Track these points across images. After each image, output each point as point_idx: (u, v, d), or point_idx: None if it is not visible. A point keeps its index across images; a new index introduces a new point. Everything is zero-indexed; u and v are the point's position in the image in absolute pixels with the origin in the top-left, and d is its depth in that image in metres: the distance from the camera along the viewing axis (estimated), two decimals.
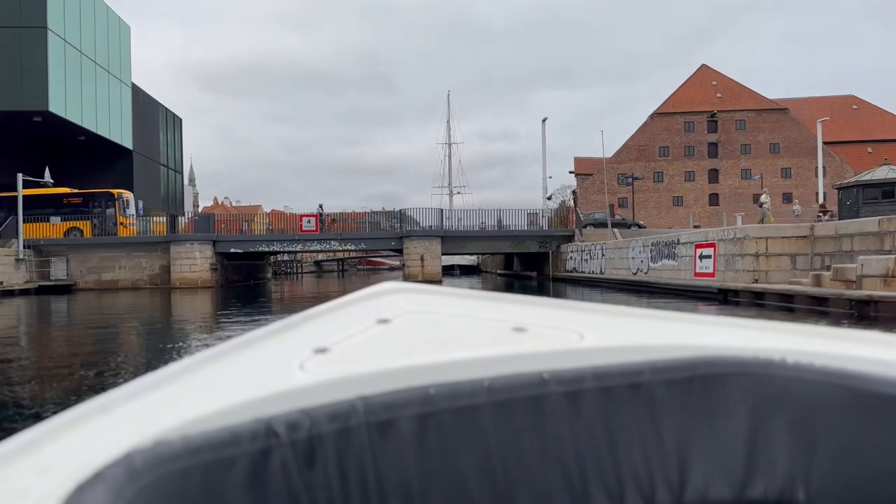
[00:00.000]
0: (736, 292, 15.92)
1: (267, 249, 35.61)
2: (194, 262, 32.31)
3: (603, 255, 27.33)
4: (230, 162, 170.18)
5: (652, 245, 22.16)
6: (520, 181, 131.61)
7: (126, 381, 0.91)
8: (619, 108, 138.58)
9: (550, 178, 53.36)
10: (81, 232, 33.70)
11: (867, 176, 30.33)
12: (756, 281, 15.88)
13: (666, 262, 20.96)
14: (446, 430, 0.77)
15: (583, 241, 32.31)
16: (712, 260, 17.78)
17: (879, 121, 76.90)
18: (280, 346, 0.96)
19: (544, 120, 44.53)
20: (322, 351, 0.89)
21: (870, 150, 74.49)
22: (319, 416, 0.72)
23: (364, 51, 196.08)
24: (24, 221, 30.20)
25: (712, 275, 17.76)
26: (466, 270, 57.70)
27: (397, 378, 0.79)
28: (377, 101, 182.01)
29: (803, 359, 0.86)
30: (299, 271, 65.12)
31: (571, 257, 32.01)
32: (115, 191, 34.82)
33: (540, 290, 28.22)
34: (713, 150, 73.03)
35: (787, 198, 70.82)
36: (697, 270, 18.68)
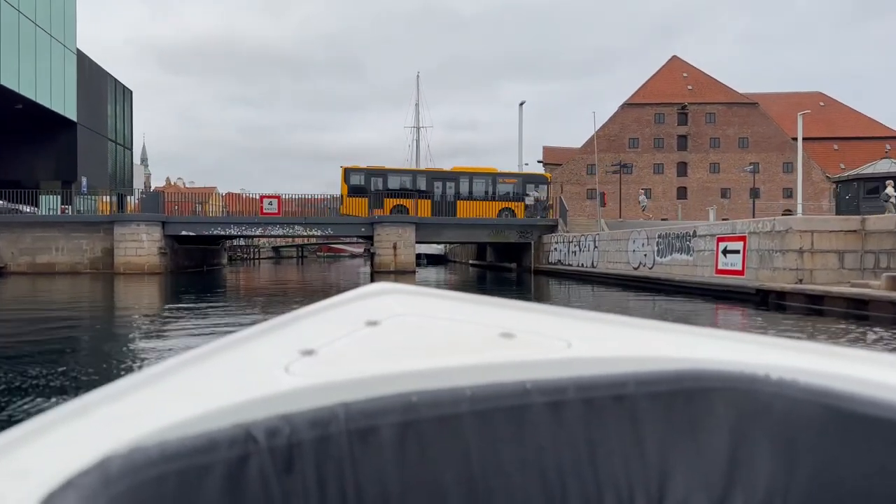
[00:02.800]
0: (781, 294, 13.74)
1: (223, 233, 32.49)
2: (141, 245, 29.09)
3: (595, 247, 25.13)
4: (188, 144, 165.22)
5: (659, 237, 19.98)
6: None
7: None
8: (585, 101, 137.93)
9: (527, 164, 51.33)
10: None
11: (868, 169, 28.96)
12: (800, 281, 13.77)
13: (677, 256, 18.80)
14: (427, 439, 0.77)
15: (568, 232, 30.11)
16: (741, 255, 15.64)
17: (846, 118, 77.01)
18: (267, 347, 0.95)
19: (521, 104, 42.29)
20: (309, 353, 0.89)
21: (836, 147, 74.50)
22: (300, 422, 0.72)
23: (333, 36, 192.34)
24: None
25: (740, 272, 15.63)
26: (433, 260, 55.15)
27: (381, 384, 0.79)
28: (344, 87, 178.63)
29: (788, 375, 0.87)
30: (257, 257, 61.63)
31: (556, 248, 29.78)
32: None
33: (520, 285, 25.88)
34: (682, 142, 72.17)
35: (756, 193, 70.37)
36: (720, 267, 16.53)
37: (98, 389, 0.76)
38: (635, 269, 21.55)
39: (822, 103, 78.15)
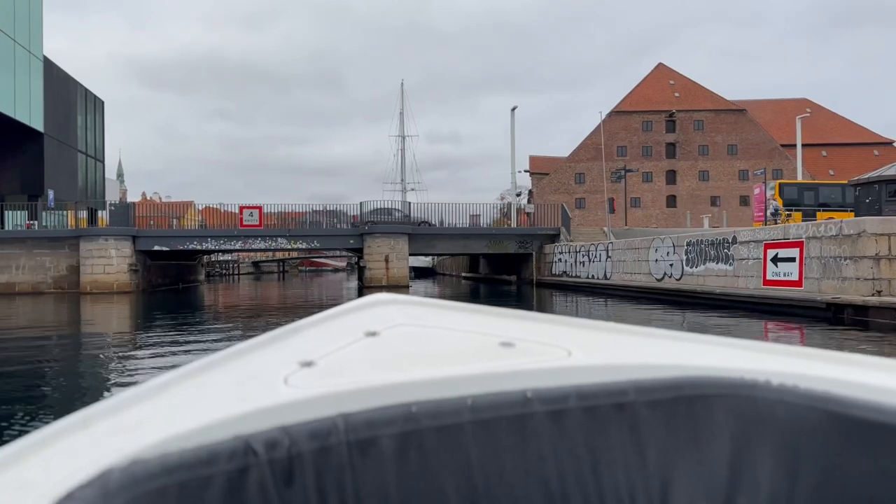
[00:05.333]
0: (863, 309, 11.74)
1: (199, 247, 30.05)
2: (109, 261, 26.61)
3: (608, 256, 23.13)
4: (166, 159, 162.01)
5: (688, 244, 18.01)
6: (464, 183, 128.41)
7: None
8: (565, 114, 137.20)
9: (520, 172, 49.14)
10: None
11: (891, 170, 27.39)
12: (879, 293, 11.83)
13: (712, 265, 16.84)
14: (428, 449, 0.77)
15: (571, 241, 28.12)
16: (797, 264, 13.69)
17: (833, 125, 76.37)
18: (267, 359, 0.95)
19: (513, 109, 40.31)
20: (308, 364, 0.89)
21: (824, 153, 73.70)
22: (299, 433, 0.72)
23: (315, 50, 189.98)
24: None
25: (797, 283, 13.67)
26: (421, 273, 52.96)
27: (381, 394, 0.79)
28: (325, 101, 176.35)
29: (788, 381, 0.87)
30: (236, 272, 58.87)
31: (561, 259, 27.75)
32: None
33: (525, 300, 23.80)
34: (671, 150, 71.00)
35: (744, 200, 69.25)
36: (770, 277, 14.58)
37: (99, 402, 0.76)
38: (659, 280, 19.56)
39: (808, 110, 77.45)
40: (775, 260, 14.42)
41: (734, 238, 16.05)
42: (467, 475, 0.78)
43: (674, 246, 18.85)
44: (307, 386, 0.80)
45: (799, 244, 13.69)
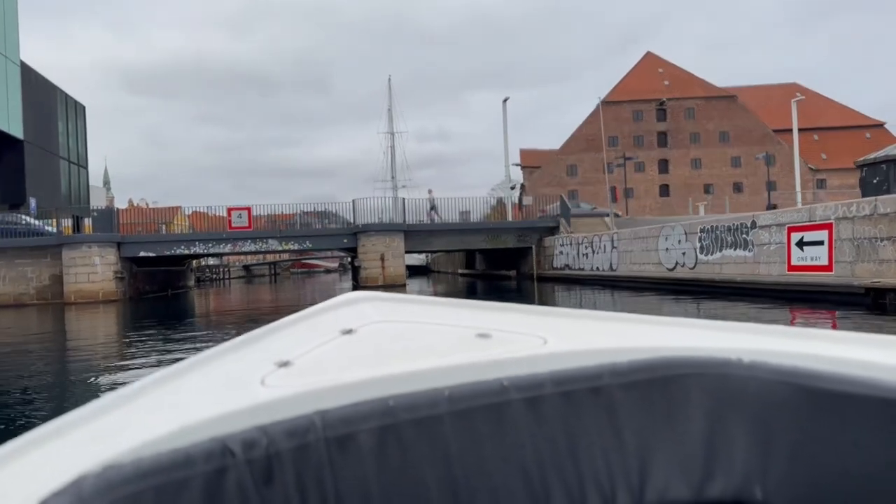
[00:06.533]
0: None
1: (187, 252, 28.97)
2: (93, 269, 25.49)
3: (614, 247, 22.27)
4: (154, 165, 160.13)
5: (702, 231, 17.16)
6: (453, 181, 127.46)
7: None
8: (552, 108, 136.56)
9: (515, 164, 48.07)
10: None
11: None
12: None
13: (730, 252, 15.99)
14: (407, 442, 0.77)
15: (572, 233, 27.25)
16: (825, 247, 12.85)
17: (824, 109, 75.92)
18: (243, 361, 0.95)
19: (505, 100, 39.44)
20: (285, 364, 0.89)
21: (816, 137, 73.18)
22: (277, 432, 0.72)
23: (301, 52, 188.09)
24: None
25: (826, 268, 12.84)
26: (414, 271, 52.00)
27: (359, 390, 0.79)
28: (312, 103, 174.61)
29: (759, 358, 0.88)
30: (226, 277, 57.64)
31: (562, 252, 26.87)
32: None
33: (522, 295, 22.91)
34: (663, 139, 70.41)
35: (738, 187, 68.74)
36: (795, 263, 13.75)
37: (73, 411, 0.74)
38: (671, 269, 18.71)
39: (798, 94, 77.07)
40: (800, 244, 13.59)
41: (753, 222, 15.21)
42: (447, 466, 0.77)
43: (686, 233, 18.00)
44: (284, 385, 0.79)
45: (827, 226, 12.86)
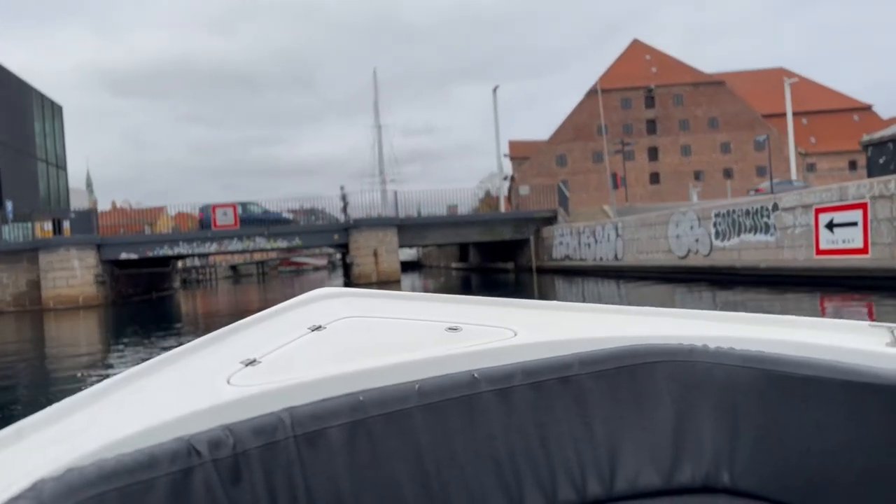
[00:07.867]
0: None
1: (171, 252, 27.76)
2: (72, 273, 24.28)
3: (618, 235, 21.34)
4: (139, 167, 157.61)
5: (717, 216, 16.25)
6: (440, 174, 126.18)
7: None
8: (538, 100, 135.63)
9: (504, 156, 47.05)
10: None
11: None
12: None
13: (748, 237, 15.10)
14: (377, 437, 0.76)
15: (571, 222, 26.31)
16: (860, 228, 11.97)
17: (811, 93, 75.49)
18: (208, 360, 0.92)
19: (495, 88, 38.44)
20: (251, 363, 0.87)
21: (805, 121, 72.72)
22: (243, 431, 0.72)
23: (285, 50, 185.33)
24: None
25: (861, 251, 11.96)
26: (406, 266, 50.94)
27: (328, 387, 0.78)
28: (298, 101, 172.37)
29: (724, 344, 0.89)
30: (213, 278, 56.24)
31: (563, 242, 25.93)
32: None
33: (522, 290, 21.96)
34: (651, 126, 69.68)
35: (728, 173, 68.14)
36: (824, 247, 12.86)
37: (33, 415, 0.72)
38: (682, 257, 17.80)
39: (786, 78, 76.58)
40: (830, 226, 12.70)
41: (775, 205, 14.31)
42: (418, 460, 0.76)
43: (698, 219, 17.09)
44: (251, 384, 0.78)
45: (862, 206, 11.98)
